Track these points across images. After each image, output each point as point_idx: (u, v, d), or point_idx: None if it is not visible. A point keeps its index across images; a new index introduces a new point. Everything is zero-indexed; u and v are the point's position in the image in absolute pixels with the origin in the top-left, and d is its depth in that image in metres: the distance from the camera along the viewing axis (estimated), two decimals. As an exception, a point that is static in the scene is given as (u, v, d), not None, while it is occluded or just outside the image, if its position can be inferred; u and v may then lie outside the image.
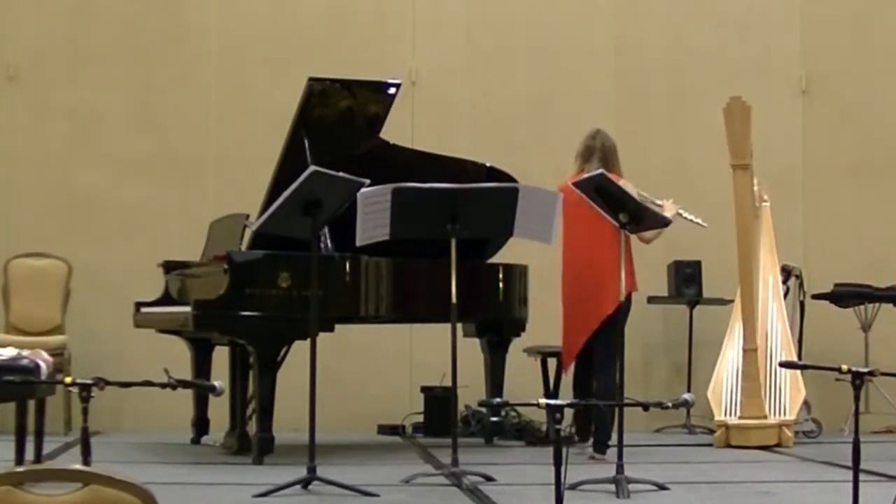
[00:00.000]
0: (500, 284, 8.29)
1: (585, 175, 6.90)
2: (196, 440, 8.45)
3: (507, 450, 8.41)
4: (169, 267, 8.34)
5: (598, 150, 7.79)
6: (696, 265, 9.61)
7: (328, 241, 7.58)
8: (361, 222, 6.61)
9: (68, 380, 3.86)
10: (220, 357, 8.29)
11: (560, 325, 7.91)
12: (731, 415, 8.51)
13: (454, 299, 6.66)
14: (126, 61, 9.77)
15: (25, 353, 6.19)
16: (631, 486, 6.21)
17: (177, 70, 9.79)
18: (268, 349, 7.34)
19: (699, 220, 7.99)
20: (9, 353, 6.14)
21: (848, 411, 8.63)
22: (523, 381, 8.79)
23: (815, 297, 9.42)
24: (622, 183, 7.27)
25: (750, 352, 8.54)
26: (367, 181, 6.52)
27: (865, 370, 4.48)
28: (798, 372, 8.45)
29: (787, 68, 10.11)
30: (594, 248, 7.56)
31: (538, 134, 9.98)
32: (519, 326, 8.53)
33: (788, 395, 8.51)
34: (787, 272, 9.18)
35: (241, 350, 7.80)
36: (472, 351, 8.42)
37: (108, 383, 3.83)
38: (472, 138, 9.59)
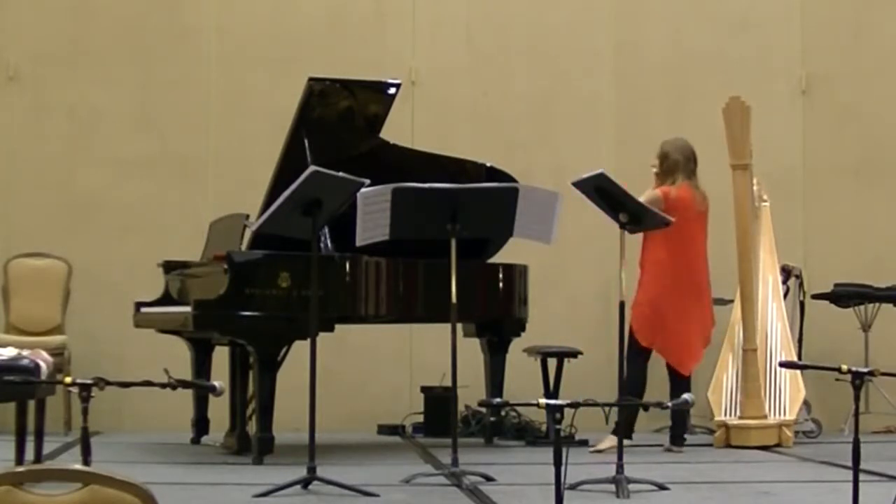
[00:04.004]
0: (500, 284, 8.29)
1: (585, 176, 6.87)
2: (196, 440, 8.45)
3: (507, 450, 8.41)
4: (169, 267, 8.34)
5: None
6: (696, 265, 9.60)
7: (328, 241, 7.58)
8: (361, 222, 6.61)
9: (68, 380, 3.86)
10: (220, 357, 8.29)
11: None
12: (731, 415, 8.51)
13: (454, 299, 6.66)
14: (126, 61, 9.77)
15: (25, 353, 6.20)
16: (631, 486, 6.21)
17: (177, 70, 9.78)
18: (268, 349, 7.34)
19: None
20: (9, 353, 6.14)
21: (848, 411, 8.63)
22: (523, 381, 8.79)
23: (815, 297, 9.42)
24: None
25: (750, 352, 8.54)
26: (367, 181, 6.52)
27: (865, 370, 4.49)
28: (798, 372, 8.45)
29: (787, 68, 10.10)
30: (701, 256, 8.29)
31: (538, 134, 9.98)
32: (519, 326, 8.53)
33: (788, 395, 8.51)
34: (787, 272, 9.18)
35: (241, 350, 7.80)
36: (472, 351, 8.42)
37: (108, 383, 3.83)
38: (472, 138, 9.58)
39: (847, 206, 10.03)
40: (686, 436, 8.38)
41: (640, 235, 7.86)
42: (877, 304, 9.51)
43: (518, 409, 8.94)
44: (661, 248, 8.02)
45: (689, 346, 8.20)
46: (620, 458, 6.34)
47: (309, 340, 6.37)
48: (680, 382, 8.15)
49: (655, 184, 8.26)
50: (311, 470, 6.22)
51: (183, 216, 9.52)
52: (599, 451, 7.88)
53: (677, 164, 8.22)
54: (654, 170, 8.30)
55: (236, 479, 6.71)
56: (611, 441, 7.71)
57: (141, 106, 9.78)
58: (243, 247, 7.63)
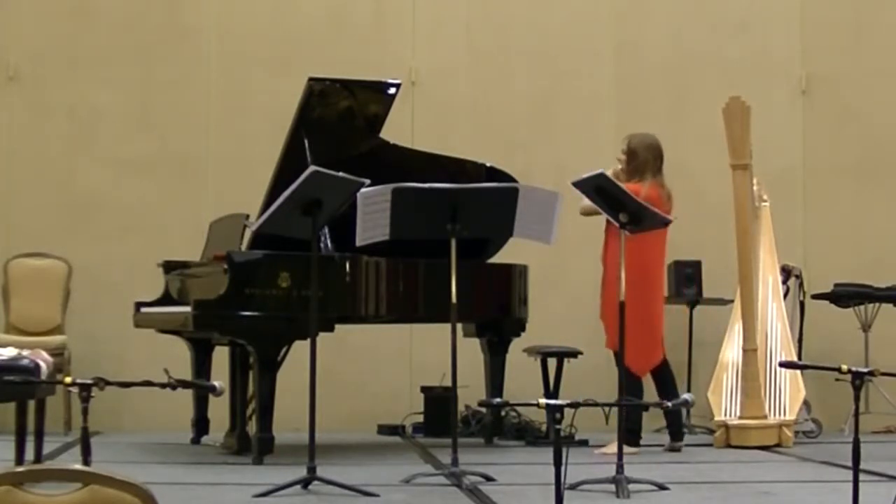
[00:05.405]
0: (500, 284, 8.29)
1: (585, 176, 6.85)
2: (196, 440, 8.45)
3: (507, 450, 8.41)
4: (169, 267, 8.34)
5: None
6: (696, 265, 9.60)
7: (328, 241, 7.58)
8: (361, 222, 6.61)
9: (68, 380, 3.86)
10: (220, 357, 8.29)
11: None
12: (731, 415, 8.51)
13: (454, 299, 6.66)
14: (126, 61, 9.77)
15: (25, 353, 6.19)
16: (631, 486, 6.21)
17: (176, 70, 9.79)
18: (268, 349, 7.34)
19: None
20: (9, 353, 6.14)
21: (848, 411, 8.63)
22: (523, 381, 8.79)
23: (815, 297, 9.42)
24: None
25: (750, 352, 8.54)
26: (367, 181, 6.52)
27: (865, 370, 4.49)
28: (798, 372, 8.45)
29: (787, 68, 10.10)
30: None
31: (538, 134, 9.98)
32: (519, 326, 8.53)
33: (788, 395, 8.51)
34: (787, 272, 9.18)
35: (241, 350, 7.80)
36: (472, 351, 8.42)
37: (108, 383, 3.83)
38: (472, 138, 9.58)
39: (847, 206, 10.04)
40: (684, 431, 8.37)
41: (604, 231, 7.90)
42: (877, 304, 9.51)
43: (518, 409, 8.94)
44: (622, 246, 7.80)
45: (640, 348, 8.01)
46: (620, 458, 6.35)
47: (309, 340, 6.37)
48: (663, 384, 8.12)
49: (621, 178, 8.10)
50: (311, 470, 6.22)
51: (183, 216, 9.52)
52: (605, 454, 7.71)
53: (646, 162, 8.09)
54: (620, 165, 8.18)
55: (236, 479, 6.72)
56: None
57: (141, 106, 9.78)
58: (243, 247, 7.63)
